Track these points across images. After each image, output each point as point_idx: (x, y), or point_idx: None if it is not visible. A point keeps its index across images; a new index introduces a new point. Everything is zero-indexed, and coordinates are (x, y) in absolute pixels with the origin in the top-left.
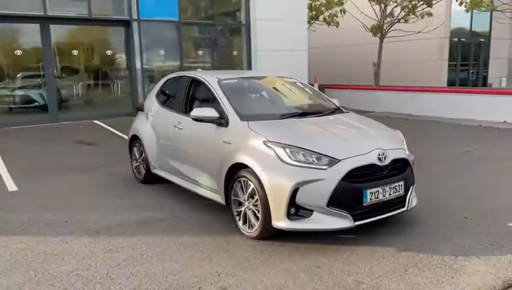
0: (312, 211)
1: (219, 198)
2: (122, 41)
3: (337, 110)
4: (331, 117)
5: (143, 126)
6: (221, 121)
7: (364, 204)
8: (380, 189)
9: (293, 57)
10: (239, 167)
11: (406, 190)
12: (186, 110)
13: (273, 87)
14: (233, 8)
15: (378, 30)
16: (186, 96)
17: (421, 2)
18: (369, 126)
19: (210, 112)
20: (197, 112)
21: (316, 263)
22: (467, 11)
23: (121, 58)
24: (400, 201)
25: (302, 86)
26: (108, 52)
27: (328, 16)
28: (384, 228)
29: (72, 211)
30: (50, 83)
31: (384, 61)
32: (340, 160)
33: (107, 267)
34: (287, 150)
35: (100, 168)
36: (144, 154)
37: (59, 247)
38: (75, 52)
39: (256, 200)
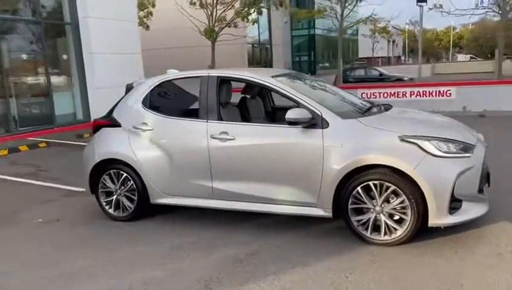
0: (461, 201)
1: (317, 211)
2: None
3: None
4: (402, 109)
5: (132, 145)
6: (315, 122)
7: (489, 186)
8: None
9: (129, 60)
10: (359, 170)
11: None
12: (222, 116)
13: (312, 84)
14: (57, 4)
15: (212, 33)
16: (219, 100)
17: (253, 10)
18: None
19: (304, 113)
20: (293, 114)
21: (491, 252)
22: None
23: None
24: None
25: (322, 83)
26: None
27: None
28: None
29: (107, 275)
30: None
31: (200, 63)
32: (474, 145)
33: None
34: (433, 142)
35: (16, 217)
36: (134, 183)
37: None
38: None
39: (402, 202)
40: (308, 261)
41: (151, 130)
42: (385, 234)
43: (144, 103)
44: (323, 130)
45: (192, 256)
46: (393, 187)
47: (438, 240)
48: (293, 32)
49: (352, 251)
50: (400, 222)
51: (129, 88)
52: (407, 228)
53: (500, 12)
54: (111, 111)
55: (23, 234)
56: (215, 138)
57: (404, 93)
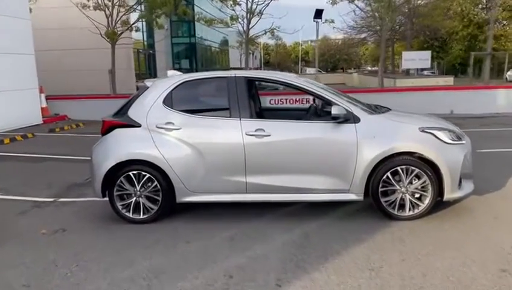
0: (461, 179)
1: (350, 196)
2: None
3: None
4: (398, 110)
5: (157, 145)
6: (349, 117)
7: None
8: None
9: (22, 61)
10: (387, 157)
11: None
12: (253, 114)
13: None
14: None
15: (113, 36)
16: (251, 100)
17: (162, 12)
18: None
19: (341, 110)
20: (336, 110)
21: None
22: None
23: None
24: None
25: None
26: None
27: None
28: None
29: (187, 270)
30: None
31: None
32: (463, 134)
33: None
34: (445, 132)
35: (8, 230)
36: (158, 183)
37: None
38: None
39: (424, 182)
40: (362, 238)
41: (178, 129)
42: (409, 210)
43: (165, 102)
44: (356, 124)
45: (255, 244)
46: (417, 170)
47: (442, 213)
48: (174, 39)
49: (387, 226)
50: (419, 199)
51: (142, 88)
52: (428, 203)
53: (380, 33)
54: (120, 111)
55: (45, 245)
56: (251, 135)
57: (307, 99)
